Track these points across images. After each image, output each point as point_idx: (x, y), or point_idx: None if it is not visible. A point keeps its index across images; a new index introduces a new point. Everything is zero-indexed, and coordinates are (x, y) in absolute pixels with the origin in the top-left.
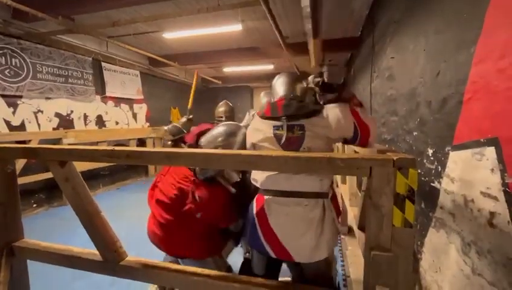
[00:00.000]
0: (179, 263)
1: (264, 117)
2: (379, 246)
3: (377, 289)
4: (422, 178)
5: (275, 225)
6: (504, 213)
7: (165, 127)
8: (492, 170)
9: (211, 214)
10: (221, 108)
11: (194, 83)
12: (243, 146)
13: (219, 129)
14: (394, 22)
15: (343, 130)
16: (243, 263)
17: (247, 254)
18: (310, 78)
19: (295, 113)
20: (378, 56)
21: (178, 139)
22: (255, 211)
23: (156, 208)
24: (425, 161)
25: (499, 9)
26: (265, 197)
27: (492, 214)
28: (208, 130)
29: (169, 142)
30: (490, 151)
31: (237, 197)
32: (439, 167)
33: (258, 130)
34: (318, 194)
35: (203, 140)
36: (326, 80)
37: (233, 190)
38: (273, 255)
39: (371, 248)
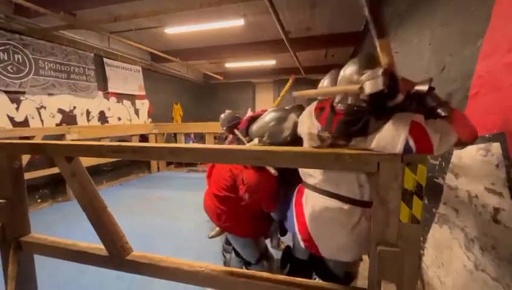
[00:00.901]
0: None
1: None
2: (385, 241)
3: (382, 284)
4: (426, 174)
5: (309, 219)
6: (509, 209)
7: (221, 115)
8: (497, 165)
9: (257, 196)
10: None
11: (288, 85)
12: (293, 133)
13: (270, 115)
14: (398, 15)
15: (385, 150)
16: (284, 251)
17: (282, 245)
18: (365, 77)
19: (349, 133)
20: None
21: (232, 126)
22: (294, 200)
23: (214, 184)
24: (429, 156)
25: (508, 1)
26: (306, 189)
27: (496, 209)
28: (259, 116)
29: (224, 128)
30: (496, 147)
31: (283, 183)
32: (443, 163)
33: (306, 123)
34: (356, 201)
35: (255, 127)
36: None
37: (273, 171)
38: (303, 246)
39: (377, 243)
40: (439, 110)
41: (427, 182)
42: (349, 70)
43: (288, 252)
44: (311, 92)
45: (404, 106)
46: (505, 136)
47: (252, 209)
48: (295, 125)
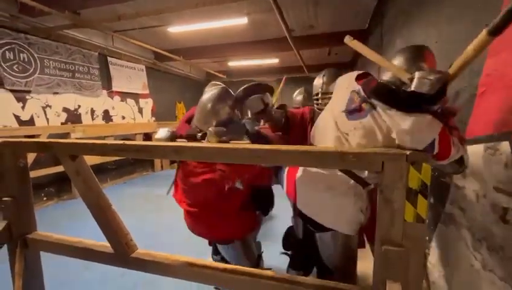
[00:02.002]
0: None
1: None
2: (390, 241)
3: (387, 283)
4: (432, 173)
5: (300, 173)
6: None
7: (157, 136)
8: (506, 164)
9: (248, 175)
10: (298, 97)
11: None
12: (229, 116)
13: (203, 100)
14: (404, 13)
15: (412, 143)
16: (286, 231)
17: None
18: (419, 74)
19: (385, 98)
20: (386, 49)
21: (173, 139)
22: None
23: (190, 200)
24: None
25: None
26: None
27: (505, 209)
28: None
29: None
30: (504, 146)
31: None
32: None
33: (346, 81)
34: (351, 174)
35: (197, 122)
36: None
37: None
38: (285, 192)
39: (382, 243)
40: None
41: (433, 182)
42: (400, 59)
43: (290, 232)
44: (367, 50)
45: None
46: None
47: (236, 205)
48: (236, 99)
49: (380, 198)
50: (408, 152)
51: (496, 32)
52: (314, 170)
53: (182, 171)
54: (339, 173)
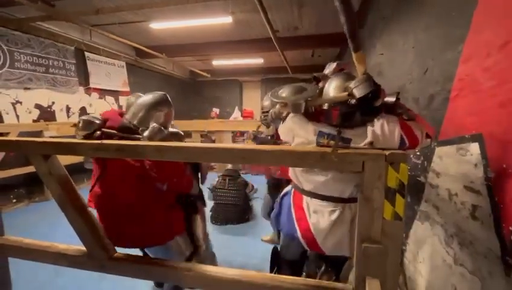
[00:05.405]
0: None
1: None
2: (370, 238)
3: (367, 280)
4: (409, 173)
5: (312, 223)
6: (486, 206)
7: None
8: (475, 165)
9: (175, 181)
10: (266, 102)
11: None
12: (162, 123)
13: (146, 97)
14: (384, 18)
15: (386, 145)
16: (272, 252)
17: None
18: (353, 85)
19: (349, 124)
20: (367, 52)
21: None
22: (293, 208)
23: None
24: (412, 155)
25: (487, 8)
26: (304, 196)
27: (475, 207)
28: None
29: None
30: (474, 147)
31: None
32: (425, 162)
33: (294, 132)
34: (346, 199)
35: (128, 115)
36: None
37: None
38: (306, 247)
39: (362, 240)
40: (404, 116)
41: (409, 181)
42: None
43: (275, 253)
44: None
45: (378, 111)
46: (482, 136)
47: (161, 205)
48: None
49: (360, 197)
50: (387, 153)
51: (355, 50)
52: (323, 212)
53: (109, 172)
54: (344, 205)
